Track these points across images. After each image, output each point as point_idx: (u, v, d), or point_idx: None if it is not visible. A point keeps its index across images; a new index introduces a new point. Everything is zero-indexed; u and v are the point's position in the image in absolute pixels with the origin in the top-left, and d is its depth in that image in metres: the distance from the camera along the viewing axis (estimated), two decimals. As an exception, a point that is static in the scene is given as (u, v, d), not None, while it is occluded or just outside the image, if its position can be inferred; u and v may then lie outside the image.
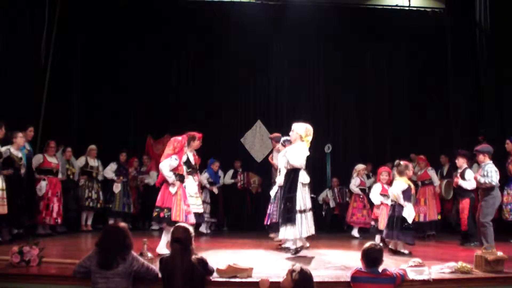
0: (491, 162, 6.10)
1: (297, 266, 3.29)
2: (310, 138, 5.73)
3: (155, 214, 5.49)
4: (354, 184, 8.67)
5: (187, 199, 5.68)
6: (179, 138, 5.80)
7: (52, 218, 7.33)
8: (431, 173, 8.48)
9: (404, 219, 5.67)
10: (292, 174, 5.55)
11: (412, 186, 5.97)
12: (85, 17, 9.84)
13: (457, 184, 6.92)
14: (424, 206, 8.26)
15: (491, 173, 5.95)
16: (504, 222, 7.27)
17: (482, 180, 5.99)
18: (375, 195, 6.84)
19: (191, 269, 3.42)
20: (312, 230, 5.52)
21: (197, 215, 6.13)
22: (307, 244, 5.79)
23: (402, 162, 5.98)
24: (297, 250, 5.47)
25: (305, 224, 5.40)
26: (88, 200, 8.26)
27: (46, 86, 8.81)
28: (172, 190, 5.48)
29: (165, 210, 5.43)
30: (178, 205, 5.48)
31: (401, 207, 5.71)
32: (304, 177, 5.54)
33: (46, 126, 8.61)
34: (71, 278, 3.69)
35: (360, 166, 8.79)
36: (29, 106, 8.27)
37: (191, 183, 6.30)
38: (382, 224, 6.50)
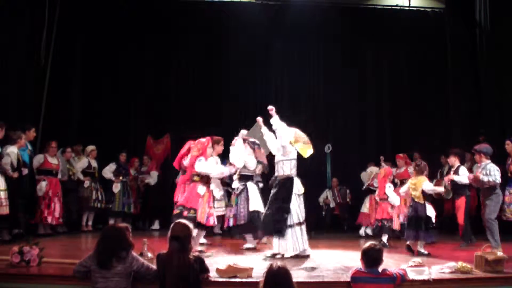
0: (490, 161, 6.11)
1: (274, 263, 3.07)
2: (300, 144, 5.58)
3: (177, 212, 5.43)
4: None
5: (211, 201, 5.63)
6: (203, 140, 5.77)
7: (55, 218, 7.37)
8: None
9: (429, 219, 5.68)
10: (288, 183, 5.43)
11: None
12: (85, 17, 9.82)
13: (449, 180, 6.82)
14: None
15: (493, 172, 5.94)
16: (504, 222, 7.26)
17: (485, 179, 5.97)
18: (394, 196, 6.75)
19: (187, 267, 3.42)
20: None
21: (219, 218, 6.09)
22: (307, 252, 5.45)
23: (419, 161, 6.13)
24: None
25: (301, 236, 5.32)
26: (95, 201, 8.33)
27: (46, 86, 8.78)
28: (201, 191, 5.46)
29: (192, 210, 5.39)
30: (204, 207, 5.45)
31: (424, 207, 5.71)
32: (298, 188, 5.46)
33: (46, 126, 8.60)
34: (71, 278, 3.70)
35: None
36: (29, 106, 8.26)
37: (218, 186, 6.19)
38: (397, 224, 6.61)
